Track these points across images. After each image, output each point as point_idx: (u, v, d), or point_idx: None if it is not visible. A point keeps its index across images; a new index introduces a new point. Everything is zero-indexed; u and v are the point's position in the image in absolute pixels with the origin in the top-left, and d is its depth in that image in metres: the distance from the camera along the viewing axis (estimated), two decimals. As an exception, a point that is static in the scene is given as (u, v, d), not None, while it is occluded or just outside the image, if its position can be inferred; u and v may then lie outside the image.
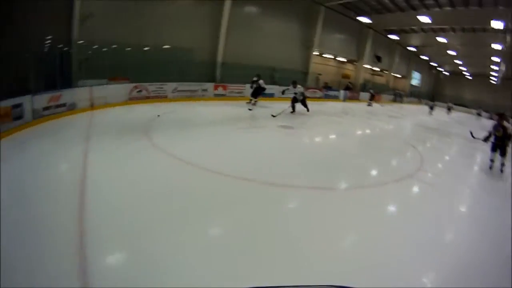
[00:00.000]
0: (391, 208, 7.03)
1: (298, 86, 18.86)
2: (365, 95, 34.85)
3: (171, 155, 8.93)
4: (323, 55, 33.42)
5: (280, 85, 25.48)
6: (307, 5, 28.25)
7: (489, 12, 22.84)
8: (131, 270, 3.97)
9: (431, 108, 34.84)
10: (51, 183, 6.45)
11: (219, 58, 23.09)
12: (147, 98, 17.73)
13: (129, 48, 17.83)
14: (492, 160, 11.20)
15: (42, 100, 11.59)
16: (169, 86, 19.10)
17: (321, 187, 7.64)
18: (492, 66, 39.39)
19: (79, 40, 16.00)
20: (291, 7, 27.29)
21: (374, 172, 9.75)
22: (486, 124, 11.25)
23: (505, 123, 11.04)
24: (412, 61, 49.37)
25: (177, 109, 16.51)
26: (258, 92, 20.14)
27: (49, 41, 14.82)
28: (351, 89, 35.14)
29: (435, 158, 12.48)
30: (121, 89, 16.55)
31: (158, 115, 12.99)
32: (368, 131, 18.01)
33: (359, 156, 11.49)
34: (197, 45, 21.74)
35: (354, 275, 4.20)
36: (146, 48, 18.94)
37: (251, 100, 20.11)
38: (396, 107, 36.39)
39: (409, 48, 43.24)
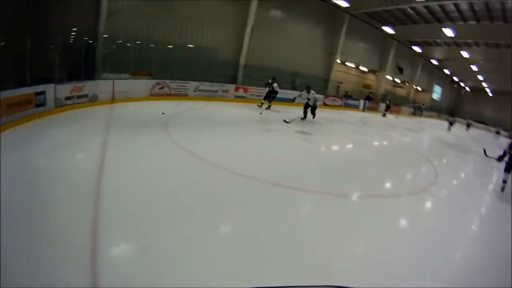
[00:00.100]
0: (402, 220, 6.88)
1: (312, 91, 18.03)
2: (383, 106, 34.49)
3: (188, 151, 8.89)
4: (346, 63, 33.37)
5: (300, 90, 25.45)
6: (332, 12, 28.09)
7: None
8: (134, 266, 3.90)
9: (451, 123, 33.53)
10: (68, 171, 6.42)
11: (242, 60, 23.08)
12: (169, 95, 17.75)
13: (152, 45, 17.86)
14: (504, 181, 10.31)
15: (65, 89, 11.66)
16: (191, 85, 19.13)
17: (334, 193, 7.48)
18: (515, 84, 38.87)
19: (105, 34, 16.11)
20: (316, 13, 27.24)
21: (387, 183, 9.58)
22: (504, 143, 10.80)
23: None
24: (434, 74, 48.69)
25: (197, 108, 16.51)
26: (270, 95, 19.85)
27: (74, 33, 15.02)
28: (372, 100, 34.84)
29: (450, 174, 12.14)
30: (143, 84, 16.64)
31: (163, 113, 12.87)
32: (384, 142, 17.76)
33: (374, 166, 11.30)
34: (221, 45, 21.84)
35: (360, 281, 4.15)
36: (169, 46, 19.01)
37: (262, 103, 20.02)
38: (414, 121, 36.05)
39: (432, 61, 42.71)
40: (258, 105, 19.64)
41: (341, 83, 32.89)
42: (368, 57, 35.34)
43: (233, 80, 22.50)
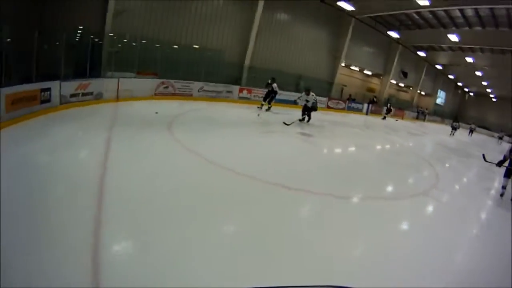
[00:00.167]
0: (402, 222, 6.83)
1: (312, 93, 17.30)
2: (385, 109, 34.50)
3: (191, 150, 8.93)
4: (350, 67, 33.45)
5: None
6: (337, 16, 28.10)
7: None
8: (135, 265, 3.89)
9: (455, 128, 33.30)
10: (71, 168, 6.45)
11: (247, 62, 23.16)
12: (173, 95, 17.82)
13: (158, 45, 17.95)
14: (504, 187, 9.95)
15: (70, 86, 11.75)
16: (195, 85, 19.19)
17: (335, 194, 7.48)
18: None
19: (111, 33, 16.26)
20: (321, 16, 27.30)
21: (388, 186, 9.55)
22: (507, 148, 10.54)
23: None
24: (439, 79, 48.76)
25: (201, 108, 16.55)
26: (269, 96, 19.68)
27: (81, 31, 15.15)
28: (375, 103, 34.84)
29: (451, 178, 12.12)
30: (148, 83, 16.69)
31: (156, 112, 12.78)
32: (386, 145, 17.67)
33: (375, 169, 11.32)
34: (226, 47, 21.95)
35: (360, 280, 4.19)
36: (175, 46, 19.10)
37: (262, 104, 19.81)
38: (417, 125, 35.99)
39: (436, 66, 42.70)
40: (258, 107, 19.45)
41: (345, 86, 32.92)
42: (372, 61, 35.40)
43: (237, 81, 22.54)
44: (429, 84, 47.50)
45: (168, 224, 4.86)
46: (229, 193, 6.49)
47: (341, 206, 7.01)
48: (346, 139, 16.88)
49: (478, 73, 38.44)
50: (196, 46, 20.38)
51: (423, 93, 47.66)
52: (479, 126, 45.79)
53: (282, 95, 21.36)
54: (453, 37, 26.06)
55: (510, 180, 9.89)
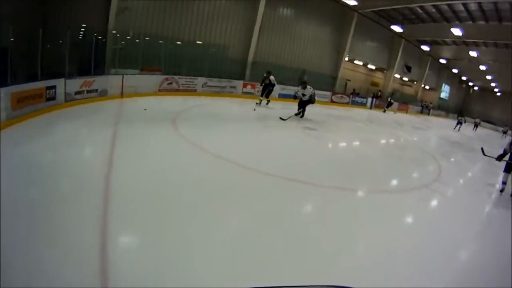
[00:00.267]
0: (403, 216, 6.86)
1: (309, 87, 16.64)
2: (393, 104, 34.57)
3: (196, 145, 9.01)
4: (354, 61, 33.40)
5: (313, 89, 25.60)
6: (340, 10, 28.13)
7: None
8: (139, 262, 3.90)
9: (460, 123, 32.29)
10: (77, 164, 6.57)
11: (250, 57, 23.21)
12: (177, 91, 17.92)
13: (161, 41, 18.08)
14: (504, 182, 9.56)
15: (75, 84, 11.83)
16: (199, 81, 19.29)
17: (338, 187, 7.59)
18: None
19: (114, 31, 16.39)
20: (324, 11, 27.31)
21: (391, 179, 9.59)
22: (507, 142, 10.16)
23: None
24: (443, 73, 48.56)
25: (205, 103, 16.65)
26: (267, 90, 19.17)
27: (84, 29, 15.28)
28: (379, 97, 34.78)
29: (454, 172, 12.11)
30: (152, 80, 16.80)
31: (145, 109, 12.67)
32: (391, 140, 17.69)
33: (379, 163, 11.35)
34: (230, 42, 22.03)
35: (359, 276, 4.19)
36: (178, 43, 19.20)
37: (261, 100, 19.28)
38: (421, 119, 35.86)
39: (440, 60, 42.59)
40: (257, 102, 18.99)
41: (349, 80, 32.92)
42: (376, 55, 35.31)
43: (241, 76, 22.58)
44: (433, 78, 47.31)
45: (175, 220, 4.89)
46: (234, 187, 6.57)
47: (345, 200, 7.07)
48: (350, 133, 16.91)
49: (482, 67, 38.26)
50: (200, 42, 20.47)
51: (427, 87, 47.49)
52: (484, 121, 45.50)
53: (285, 90, 21.44)
54: (457, 31, 25.91)
55: (510, 175, 9.55)
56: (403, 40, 35.67)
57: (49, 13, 14.31)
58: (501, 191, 9.61)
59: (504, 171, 9.67)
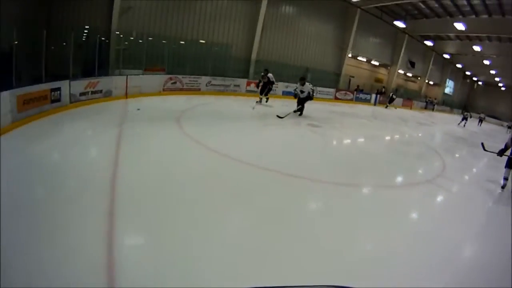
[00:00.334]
0: (405, 210, 6.87)
1: (307, 83, 16.40)
2: (395, 100, 34.50)
3: (200, 143, 9.07)
4: (357, 58, 33.41)
5: (312, 85, 25.58)
6: (343, 7, 28.20)
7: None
8: (143, 259, 3.94)
9: (466, 119, 31.67)
10: (83, 163, 6.64)
11: (253, 55, 23.26)
12: (181, 90, 18.00)
13: (165, 41, 18.14)
14: (506, 178, 9.24)
15: (79, 85, 11.90)
16: (203, 80, 19.37)
17: (341, 183, 7.64)
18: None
19: (117, 31, 16.48)
20: (326, 8, 27.30)
21: (395, 174, 9.63)
22: (508, 136, 9.81)
23: None
24: (446, 68, 48.33)
25: (209, 102, 16.70)
26: (266, 88, 18.44)
27: (87, 31, 15.39)
28: (383, 94, 34.71)
29: (458, 168, 12.03)
30: (156, 79, 16.87)
31: (138, 109, 12.46)
32: (394, 135, 17.72)
33: (384, 159, 11.36)
34: (232, 41, 22.11)
35: (359, 275, 4.16)
36: (182, 42, 19.27)
37: (261, 98, 18.70)
38: (426, 115, 35.68)
39: (444, 55, 42.38)
40: (257, 101, 18.52)
41: (352, 77, 32.91)
42: (379, 51, 35.24)
43: (245, 75, 22.59)
44: (437, 74, 47.13)
45: (179, 219, 4.91)
46: (240, 184, 6.62)
47: (347, 194, 7.13)
48: (355, 129, 16.88)
49: (486, 62, 38.05)
50: (203, 41, 20.53)
51: (431, 82, 47.33)
52: (489, 116, 45.21)
53: (289, 87, 21.44)
54: (460, 26, 25.76)
55: (511, 170, 9.22)
56: (406, 35, 35.52)
57: (52, 14, 14.44)
58: (503, 187, 9.29)
59: (505, 167, 9.36)
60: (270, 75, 18.22)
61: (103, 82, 13.21)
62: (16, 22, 11.20)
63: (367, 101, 33.00)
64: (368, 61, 35.56)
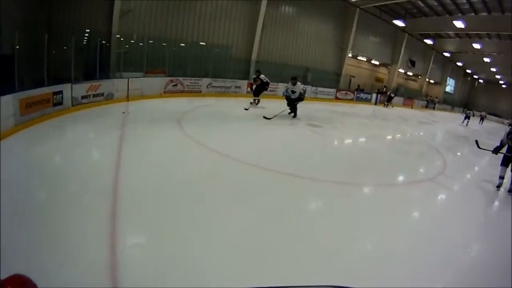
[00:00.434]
0: (406, 208, 6.91)
1: (299, 83, 15.37)
2: (396, 99, 34.52)
3: (201, 144, 9.14)
4: (357, 58, 33.45)
5: (312, 85, 25.69)
6: (342, 7, 28.27)
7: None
8: (145, 257, 4.02)
9: (468, 117, 31.26)
10: (85, 165, 6.71)
11: (254, 56, 23.31)
12: (182, 92, 18.07)
13: (165, 44, 18.21)
14: (501, 177, 8.88)
15: (81, 88, 12.00)
16: (204, 82, 19.42)
17: (342, 182, 7.70)
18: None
19: (118, 35, 16.58)
20: (326, 8, 27.34)
21: (396, 173, 9.64)
22: (504, 132, 9.48)
23: None
24: (447, 67, 48.24)
25: (210, 104, 16.74)
26: (261, 89, 17.89)
27: (88, 34, 15.50)
28: (384, 93, 34.63)
29: (458, 165, 12.18)
30: (157, 82, 16.94)
31: (123, 112, 12.21)
32: (396, 134, 17.80)
33: (383, 157, 11.45)
34: (232, 42, 22.18)
35: (359, 275, 4.18)
36: (182, 44, 19.34)
37: (255, 100, 17.92)
38: (427, 114, 35.60)
39: (444, 53, 42.36)
40: (251, 102, 17.80)
41: (353, 77, 32.89)
42: (379, 50, 35.24)
43: (245, 76, 22.61)
44: (438, 72, 47.07)
45: (180, 221, 4.94)
46: (240, 184, 6.68)
47: (347, 193, 7.18)
48: (356, 129, 16.89)
49: (487, 60, 38.00)
50: (203, 43, 20.60)
51: (432, 81, 47.30)
52: (490, 114, 45.08)
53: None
54: (459, 24, 25.82)
55: (507, 169, 8.86)
56: (406, 34, 35.54)
57: (53, 15, 14.54)
58: (498, 186, 8.95)
59: (501, 165, 9.00)
60: (262, 76, 17.75)
61: (104, 85, 13.29)
62: (16, 23, 11.28)
63: (367, 100, 32.98)
64: (368, 61, 35.54)
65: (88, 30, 15.77)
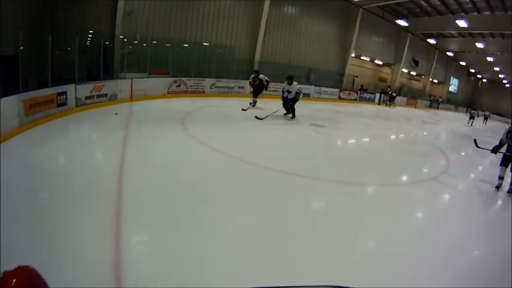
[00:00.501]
0: (409, 207, 6.89)
1: (295, 83, 14.99)
2: (399, 99, 34.52)
3: (205, 144, 9.17)
4: (360, 57, 33.40)
5: (316, 85, 25.69)
6: (345, 7, 28.24)
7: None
8: (148, 258, 4.05)
9: (473, 117, 30.79)
10: (89, 165, 6.78)
11: (257, 57, 23.32)
12: (185, 92, 18.12)
13: (168, 44, 18.25)
14: (501, 177, 8.68)
15: (85, 89, 12.07)
16: (207, 82, 19.47)
17: (345, 181, 7.71)
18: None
19: (121, 35, 16.66)
20: (329, 9, 27.34)
21: (399, 173, 9.63)
22: (503, 131, 9.27)
23: None
24: (450, 66, 48.04)
25: (213, 104, 16.77)
26: (260, 90, 17.37)
27: (91, 35, 15.55)
28: (387, 93, 34.53)
29: (462, 165, 12.18)
30: (160, 82, 17.00)
31: (116, 113, 12.00)
32: (399, 134, 17.78)
33: (387, 156, 11.45)
34: (236, 43, 22.23)
35: (359, 275, 4.17)
36: (185, 45, 19.41)
37: (253, 100, 17.42)
38: (431, 113, 35.46)
39: (447, 53, 42.20)
40: (250, 102, 17.40)
41: (356, 77, 32.77)
42: (382, 50, 35.20)
43: (249, 76, 22.52)
44: (441, 72, 46.90)
45: (185, 219, 4.97)
46: (243, 184, 6.71)
47: (350, 192, 7.19)
48: (359, 129, 16.86)
49: (490, 59, 37.92)
50: (206, 44, 20.66)
51: (435, 81, 47.15)
52: (493, 113, 44.83)
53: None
54: (462, 23, 25.74)
55: (506, 168, 8.66)
56: (409, 34, 35.47)
57: (56, 15, 14.60)
58: (497, 187, 8.74)
59: (500, 165, 8.80)
60: (261, 76, 17.23)
61: (108, 86, 13.36)
62: (19, 23, 11.33)
63: (371, 100, 32.88)
64: (372, 61, 35.47)
65: (92, 31, 15.83)
